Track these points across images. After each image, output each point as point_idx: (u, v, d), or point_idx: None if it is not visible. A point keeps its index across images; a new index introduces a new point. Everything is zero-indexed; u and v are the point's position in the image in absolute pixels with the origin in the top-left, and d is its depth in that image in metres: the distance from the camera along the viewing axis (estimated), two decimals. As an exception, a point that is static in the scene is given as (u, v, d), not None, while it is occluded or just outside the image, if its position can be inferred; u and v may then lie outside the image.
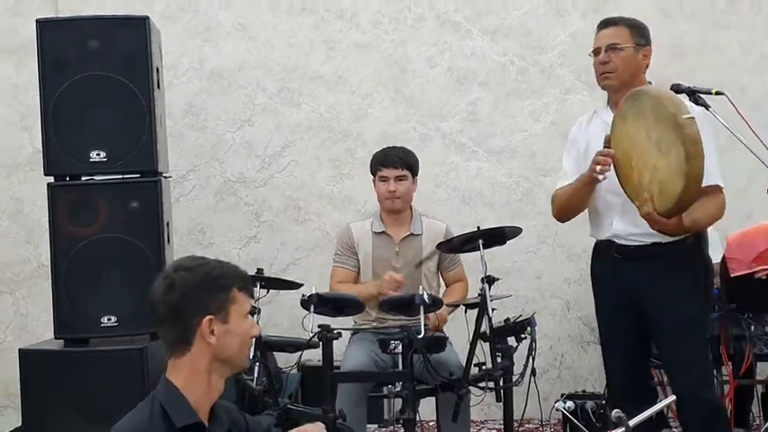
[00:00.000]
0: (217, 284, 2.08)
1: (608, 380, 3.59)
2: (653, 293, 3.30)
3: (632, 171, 3.18)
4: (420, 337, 3.30)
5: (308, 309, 3.40)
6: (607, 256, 3.41)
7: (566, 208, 3.52)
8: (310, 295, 3.40)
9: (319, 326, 3.33)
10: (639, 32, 3.44)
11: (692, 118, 3.00)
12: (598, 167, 3.22)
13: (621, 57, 3.38)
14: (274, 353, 4.25)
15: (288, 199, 5.20)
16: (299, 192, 5.20)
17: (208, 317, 2.06)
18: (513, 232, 3.70)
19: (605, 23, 3.49)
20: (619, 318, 3.41)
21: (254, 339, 2.18)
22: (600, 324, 3.57)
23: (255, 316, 3.52)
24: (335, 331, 3.35)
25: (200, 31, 5.21)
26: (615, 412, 2.03)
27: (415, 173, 4.05)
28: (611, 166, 3.24)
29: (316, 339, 3.33)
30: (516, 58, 5.21)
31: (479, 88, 5.22)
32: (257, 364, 3.48)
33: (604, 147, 3.27)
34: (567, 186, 3.47)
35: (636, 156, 3.15)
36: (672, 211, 3.08)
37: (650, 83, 3.47)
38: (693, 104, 3.27)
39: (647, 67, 3.47)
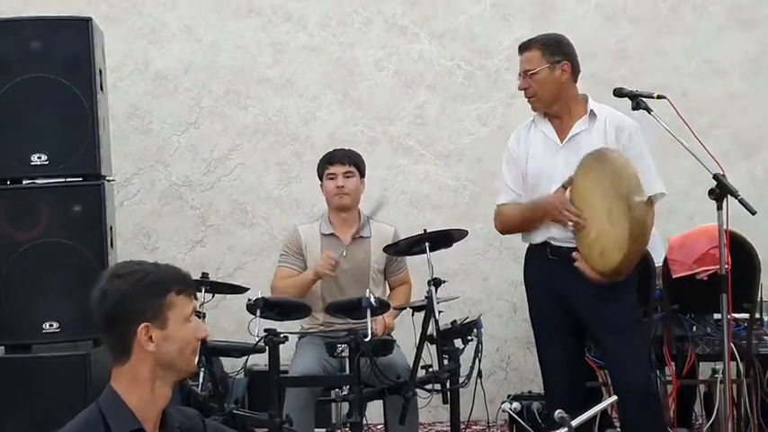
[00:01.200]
0: (151, 290, 2.03)
1: (544, 380, 3.67)
2: (587, 292, 3.40)
3: (584, 221, 3.35)
4: (367, 340, 3.30)
5: (253, 313, 3.37)
6: (541, 258, 3.51)
7: (513, 230, 3.68)
8: (256, 299, 3.38)
9: (265, 330, 3.31)
10: (553, 50, 3.48)
11: (643, 201, 3.17)
12: (571, 222, 3.35)
13: (537, 80, 3.48)
14: (221, 358, 4.21)
15: (235, 203, 5.16)
16: (246, 195, 5.16)
17: (143, 324, 2.01)
18: (460, 235, 3.72)
19: (521, 48, 3.58)
20: (553, 318, 3.53)
21: (199, 342, 2.12)
22: (534, 324, 3.66)
23: (201, 321, 3.48)
24: (282, 335, 3.33)
25: (145, 32, 5.15)
26: (558, 412, 2.05)
27: (362, 172, 4.05)
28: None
29: (262, 344, 3.31)
30: (463, 63, 5.24)
31: (427, 92, 5.24)
32: (202, 369, 3.45)
33: (563, 186, 3.38)
34: (517, 210, 3.56)
35: (588, 211, 3.32)
36: (608, 275, 3.30)
37: (585, 96, 3.55)
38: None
39: (574, 77, 3.52)
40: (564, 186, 3.38)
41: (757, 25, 5.20)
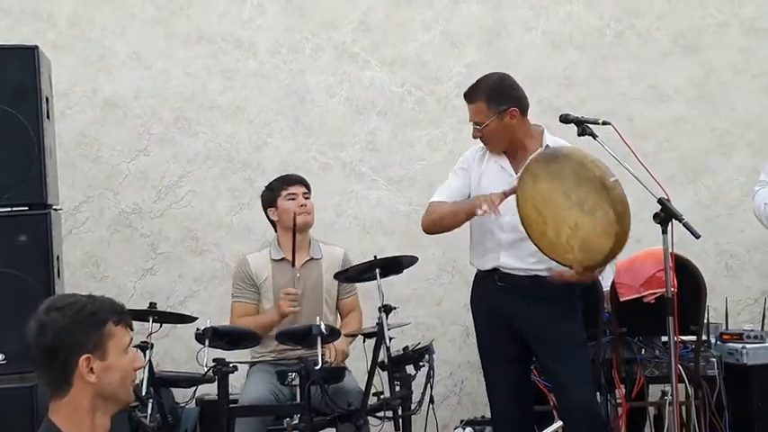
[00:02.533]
0: (91, 321, 2.02)
1: (491, 405, 3.70)
2: (533, 317, 3.44)
3: (546, 227, 3.30)
4: (317, 368, 3.29)
5: (202, 343, 3.35)
6: (490, 284, 3.54)
7: (439, 225, 3.63)
8: (205, 329, 3.36)
9: (214, 360, 3.28)
10: (497, 99, 3.51)
11: (617, 180, 3.16)
12: (484, 207, 3.31)
13: (488, 131, 3.55)
14: (172, 388, 4.17)
15: (185, 230, 5.12)
16: (197, 222, 5.12)
17: (85, 356, 2.00)
18: (410, 261, 3.74)
19: (466, 97, 3.62)
20: (500, 343, 3.57)
21: (137, 372, 2.12)
22: (481, 350, 3.69)
23: (148, 351, 3.45)
24: (231, 365, 3.31)
25: (94, 60, 5.11)
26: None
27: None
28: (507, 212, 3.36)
29: (211, 374, 3.28)
30: (414, 89, 5.28)
31: (378, 118, 5.27)
32: (150, 400, 3.41)
33: (504, 193, 3.36)
34: (448, 204, 3.55)
35: (551, 214, 3.27)
36: (599, 264, 3.30)
37: (539, 127, 3.59)
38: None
39: (523, 114, 3.56)
40: (506, 193, 3.36)
41: (701, 51, 5.31)
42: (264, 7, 5.19)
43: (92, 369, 2.01)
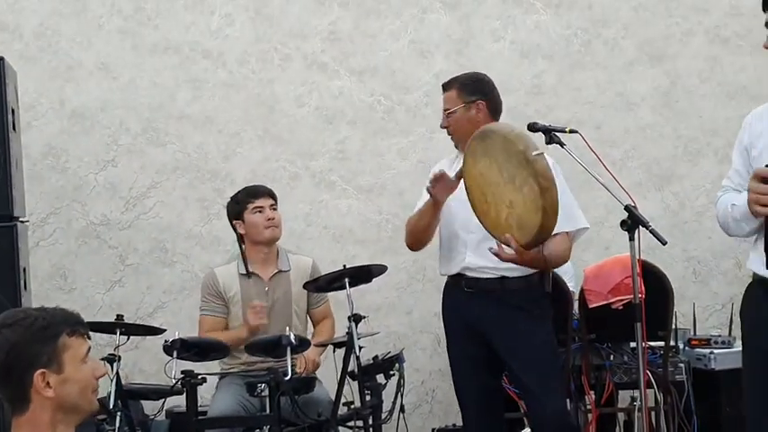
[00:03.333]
0: (42, 336, 1.98)
1: (462, 413, 3.69)
2: (503, 326, 3.44)
3: (488, 206, 3.27)
4: (287, 378, 3.28)
5: (170, 355, 3.33)
6: (458, 291, 3.54)
7: (416, 234, 3.62)
8: (173, 341, 3.34)
9: (182, 372, 3.26)
10: (470, 89, 3.58)
11: (542, 153, 3.12)
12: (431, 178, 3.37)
13: (454, 119, 3.60)
14: (142, 400, 4.14)
15: (154, 241, 5.09)
16: (166, 233, 5.09)
17: (39, 371, 1.97)
18: (379, 270, 3.74)
19: (443, 87, 3.69)
20: (470, 351, 3.55)
21: (99, 381, 2.09)
22: (451, 358, 3.68)
23: (115, 363, 3.42)
24: (200, 376, 3.29)
25: (61, 71, 5.07)
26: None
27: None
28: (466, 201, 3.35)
29: (179, 386, 3.26)
30: (383, 98, 5.29)
31: (348, 127, 5.27)
32: (118, 412, 3.37)
33: (455, 176, 3.38)
34: (415, 213, 3.59)
35: (490, 192, 3.24)
36: (532, 242, 3.19)
37: None
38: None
39: (491, 115, 3.59)
40: (457, 177, 3.37)
41: (667, 59, 5.36)
42: (233, 17, 5.18)
43: (48, 384, 1.98)
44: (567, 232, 3.46)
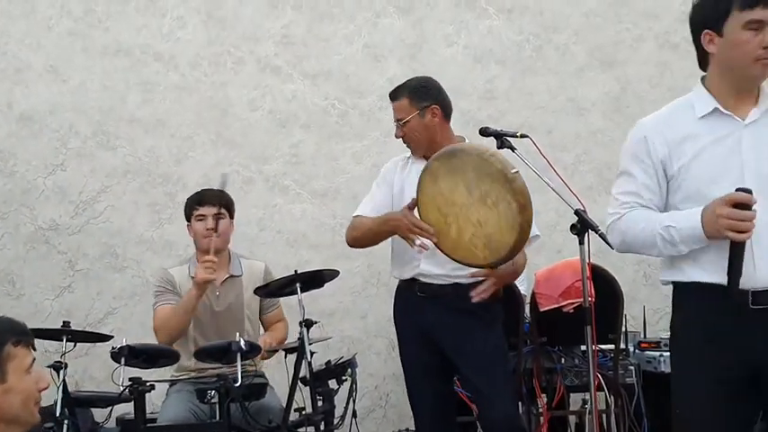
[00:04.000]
0: None
1: (415, 417, 3.69)
2: (455, 330, 3.44)
3: (449, 227, 3.24)
4: (237, 385, 3.25)
5: (118, 361, 3.28)
6: (410, 295, 3.53)
7: (363, 240, 3.59)
8: (120, 347, 3.29)
9: (130, 379, 3.22)
10: (420, 96, 3.55)
11: (518, 172, 3.13)
12: (417, 244, 3.28)
13: (409, 128, 3.56)
14: (92, 408, 4.07)
15: (104, 246, 5.02)
16: (116, 238, 5.03)
17: None
18: (331, 275, 3.72)
19: (391, 97, 3.66)
20: (422, 355, 3.55)
21: (41, 393, 2.06)
22: (404, 362, 3.67)
23: (62, 371, 3.37)
24: (148, 383, 3.24)
25: (9, 73, 5.00)
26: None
27: (232, 214, 4.01)
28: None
29: (127, 393, 3.22)
30: (337, 102, 5.28)
31: (301, 131, 5.25)
32: (65, 420, 3.32)
33: (409, 207, 3.32)
34: (369, 221, 3.54)
35: (453, 212, 3.21)
36: (502, 260, 3.20)
37: (462, 137, 3.61)
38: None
39: (445, 119, 3.59)
40: (410, 207, 3.33)
41: (617, 65, 5.43)
42: (185, 20, 5.14)
43: (-10, 394, 1.95)
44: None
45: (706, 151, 2.51)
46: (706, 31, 2.52)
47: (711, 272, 2.48)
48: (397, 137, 3.63)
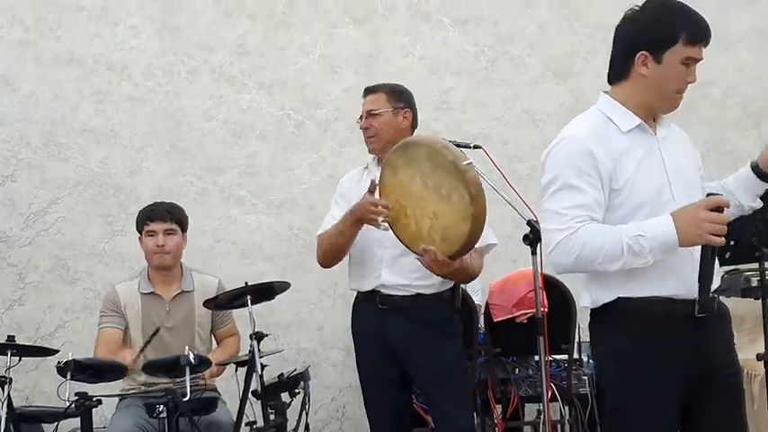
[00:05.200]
0: None
1: (371, 427, 3.67)
2: (414, 342, 3.42)
3: (408, 220, 3.25)
4: (186, 399, 3.21)
5: (64, 376, 3.22)
6: (371, 308, 3.50)
7: (332, 252, 3.56)
8: (66, 362, 3.24)
9: (77, 393, 3.16)
10: (397, 96, 3.60)
11: (471, 163, 3.13)
12: (380, 218, 3.27)
13: (380, 121, 3.56)
14: (43, 423, 4.00)
15: (55, 258, 4.94)
16: (68, 250, 4.95)
17: None
18: (282, 287, 3.70)
19: (367, 91, 3.68)
20: (380, 367, 3.52)
21: None
22: (361, 373, 3.65)
23: (6, 386, 3.30)
24: (95, 398, 3.19)
25: (-42, 82, 4.92)
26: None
27: (184, 228, 3.96)
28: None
29: (73, 408, 3.16)
30: (293, 112, 5.26)
31: (257, 141, 5.22)
32: (10, 438, 3.26)
33: (369, 191, 3.33)
34: (333, 226, 3.52)
35: (411, 204, 3.22)
36: (459, 252, 3.18)
37: None
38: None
39: (412, 127, 3.61)
40: (370, 191, 3.33)
41: (571, 77, 5.47)
42: (138, 29, 5.09)
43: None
44: (475, 248, 3.46)
45: (643, 163, 2.53)
46: (643, 52, 2.53)
47: (657, 286, 2.49)
48: (362, 127, 3.61)
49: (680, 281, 2.48)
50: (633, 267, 2.45)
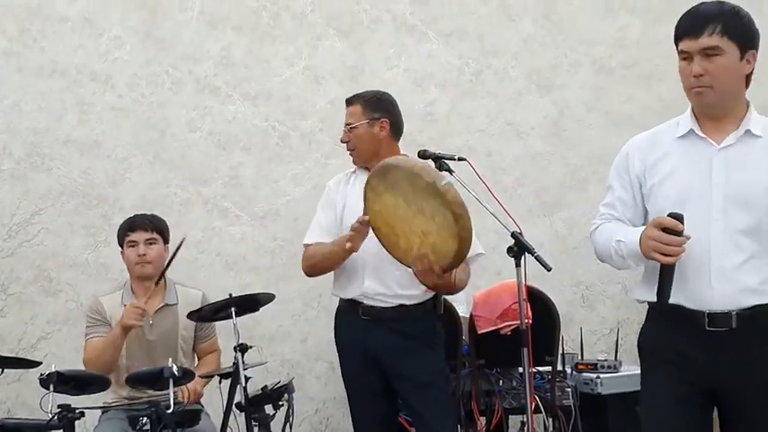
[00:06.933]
0: None
1: None
2: (397, 354, 3.43)
3: (398, 238, 3.27)
4: (169, 411, 3.20)
5: (47, 388, 3.20)
6: (353, 318, 3.51)
7: (319, 268, 3.59)
8: (49, 374, 3.22)
9: (59, 406, 3.14)
10: (374, 106, 3.60)
11: (450, 183, 3.13)
12: (348, 245, 3.32)
13: (356, 134, 3.59)
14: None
15: (38, 269, 4.90)
16: (50, 261, 4.92)
17: None
18: (267, 299, 3.69)
19: (347, 102, 3.69)
20: (365, 378, 3.52)
21: None
22: (347, 385, 3.65)
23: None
24: (78, 411, 3.17)
25: (-60, 93, 4.88)
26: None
27: (166, 239, 3.95)
28: (369, 234, 3.33)
29: (56, 420, 3.14)
30: (277, 124, 5.26)
31: (241, 153, 5.21)
32: (-9, 451, 3.23)
33: (360, 221, 3.34)
34: (323, 247, 3.52)
35: (399, 224, 3.23)
36: (451, 265, 3.21)
37: (404, 153, 3.62)
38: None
39: (394, 135, 3.62)
40: (361, 223, 3.34)
41: (554, 89, 5.51)
42: (122, 40, 5.07)
43: None
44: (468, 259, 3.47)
45: (677, 172, 2.58)
46: None
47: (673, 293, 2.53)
48: (342, 141, 3.66)
49: (686, 292, 2.53)
50: (629, 268, 2.66)
